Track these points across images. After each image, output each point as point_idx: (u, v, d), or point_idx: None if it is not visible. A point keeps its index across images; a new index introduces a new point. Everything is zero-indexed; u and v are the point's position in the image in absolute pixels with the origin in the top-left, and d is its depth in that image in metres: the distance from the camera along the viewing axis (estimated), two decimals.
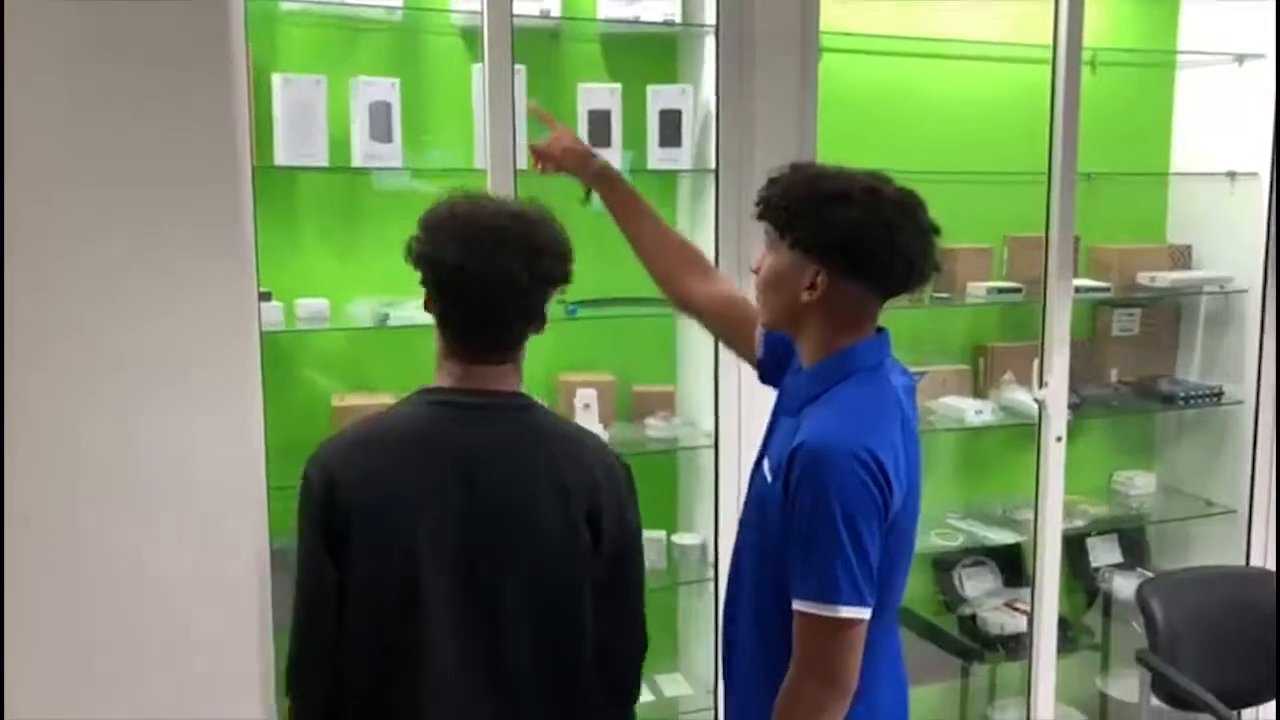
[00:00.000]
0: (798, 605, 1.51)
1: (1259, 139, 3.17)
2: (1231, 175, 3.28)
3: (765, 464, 1.66)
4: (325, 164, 2.54)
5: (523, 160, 2.56)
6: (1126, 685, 3.41)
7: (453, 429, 1.58)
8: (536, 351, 2.79)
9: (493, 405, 1.60)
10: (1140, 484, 3.50)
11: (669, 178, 2.92)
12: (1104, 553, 3.51)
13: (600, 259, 3.01)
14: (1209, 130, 3.35)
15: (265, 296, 2.45)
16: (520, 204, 1.68)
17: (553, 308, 2.73)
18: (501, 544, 1.55)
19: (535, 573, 1.56)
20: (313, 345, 2.69)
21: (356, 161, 2.57)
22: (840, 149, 2.74)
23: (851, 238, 1.54)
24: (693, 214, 2.90)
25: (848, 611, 1.48)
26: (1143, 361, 3.48)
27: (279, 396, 2.39)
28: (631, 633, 1.68)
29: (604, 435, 2.76)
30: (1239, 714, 2.74)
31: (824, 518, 1.47)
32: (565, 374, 2.88)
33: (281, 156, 2.50)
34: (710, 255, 2.69)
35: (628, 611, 1.66)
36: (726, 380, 2.69)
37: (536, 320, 1.64)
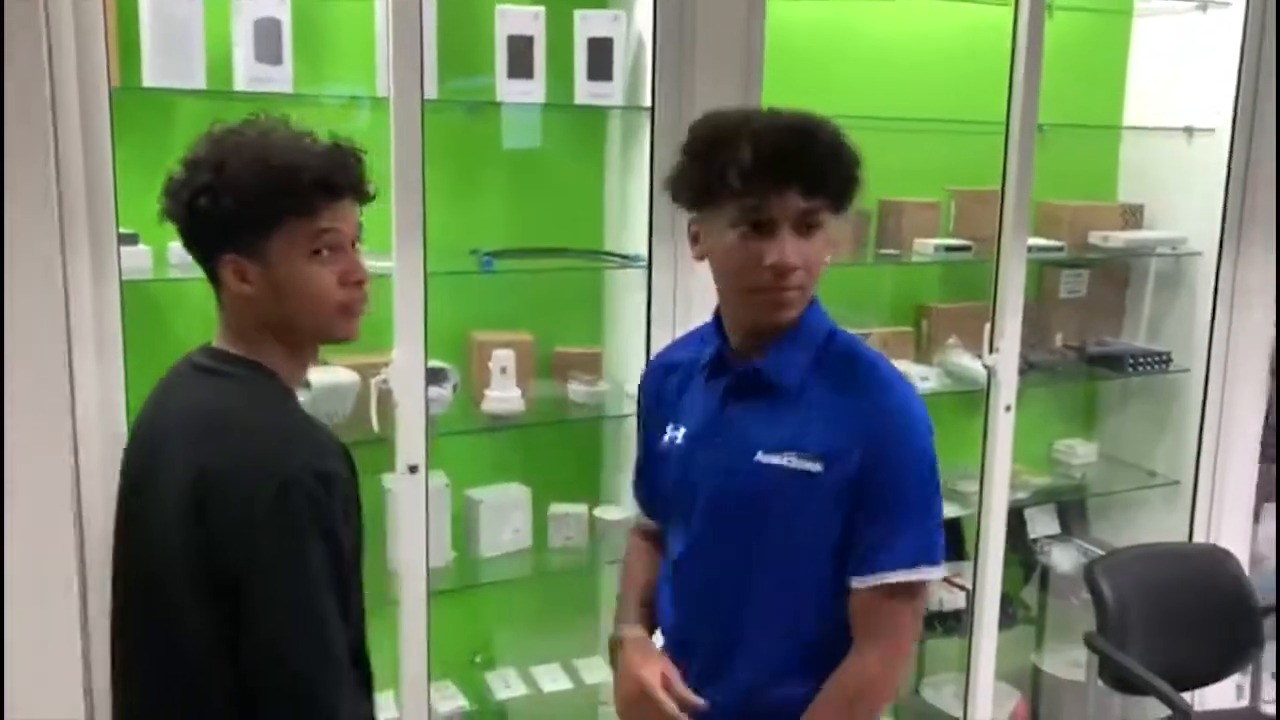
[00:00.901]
0: (889, 578, 1.42)
1: (1219, 93, 3.00)
2: (1189, 131, 3.11)
3: (785, 457, 1.44)
4: (202, 86, 2.20)
5: (431, 88, 2.26)
6: (1061, 660, 3.31)
7: (166, 390, 1.43)
8: (446, 308, 2.56)
9: (196, 365, 1.40)
10: (1082, 453, 3.36)
11: (597, 115, 2.64)
12: (1042, 524, 3.37)
13: (518, 206, 2.76)
14: (1166, 82, 3.17)
15: (129, 239, 2.13)
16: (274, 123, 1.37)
17: (465, 258, 2.48)
18: (132, 533, 1.41)
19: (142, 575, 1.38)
20: (190, 296, 2.35)
21: (239, 85, 2.23)
22: (782, 90, 2.51)
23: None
24: (624, 157, 2.63)
25: (943, 569, 1.46)
26: (1089, 325, 3.32)
27: (146, 356, 2.06)
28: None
29: (521, 402, 2.49)
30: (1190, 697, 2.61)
31: (925, 478, 1.44)
32: (479, 333, 2.60)
33: (150, 77, 2.16)
34: (644, 204, 2.45)
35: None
36: (660, 341, 2.42)
37: (210, 251, 1.34)
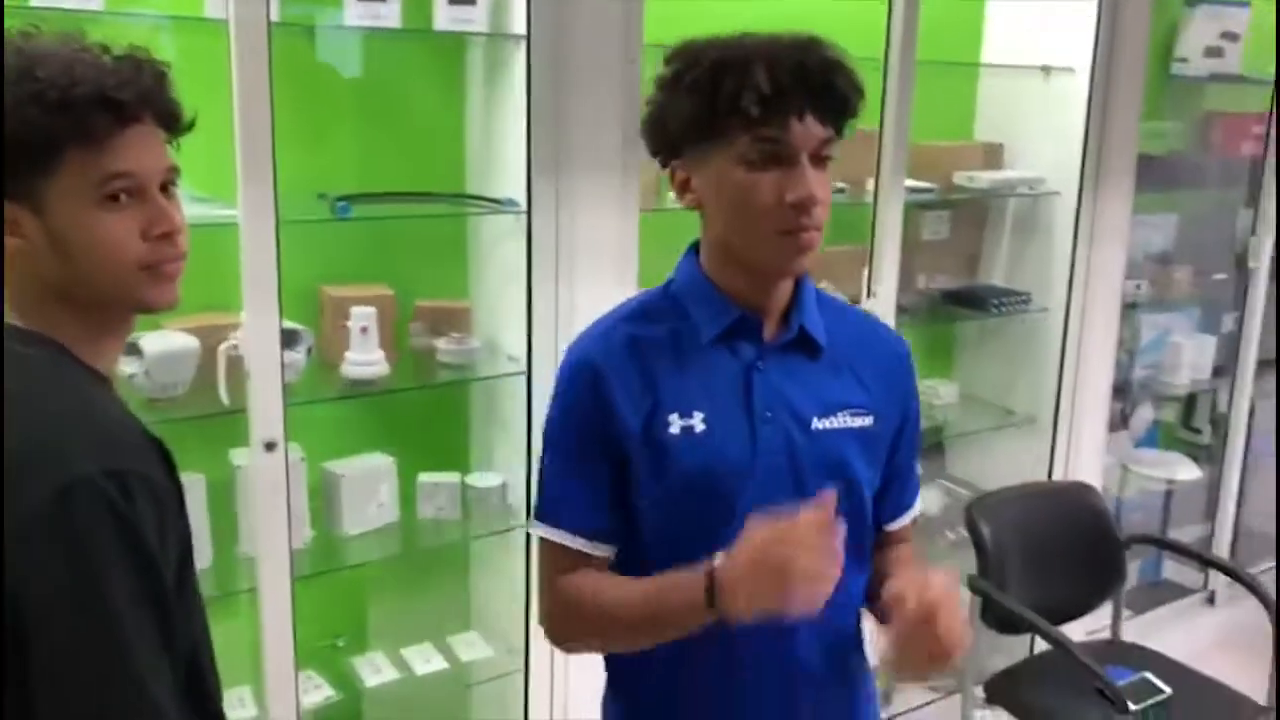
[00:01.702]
0: (916, 510, 1.48)
1: (1077, 32, 3.00)
2: (1046, 70, 3.11)
3: (840, 418, 1.33)
4: None
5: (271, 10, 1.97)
6: None
7: None
8: (294, 261, 2.27)
9: None
10: (943, 394, 3.36)
11: (458, 42, 2.39)
12: None
13: (372, 146, 2.48)
14: (1023, 21, 3.16)
15: None
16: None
17: (313, 204, 2.21)
18: None
19: None
20: None
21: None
22: (663, 20, 2.34)
23: None
24: (488, 90, 2.39)
25: None
26: (948, 266, 3.31)
27: None
28: None
29: (385, 365, 2.25)
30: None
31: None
32: (333, 287, 2.34)
33: None
34: (510, 142, 2.23)
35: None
36: (545, 294, 2.23)
37: None
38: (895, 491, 1.43)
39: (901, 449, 1.41)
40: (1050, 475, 3.23)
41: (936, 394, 3.36)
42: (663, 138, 1.27)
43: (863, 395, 1.34)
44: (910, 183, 2.86)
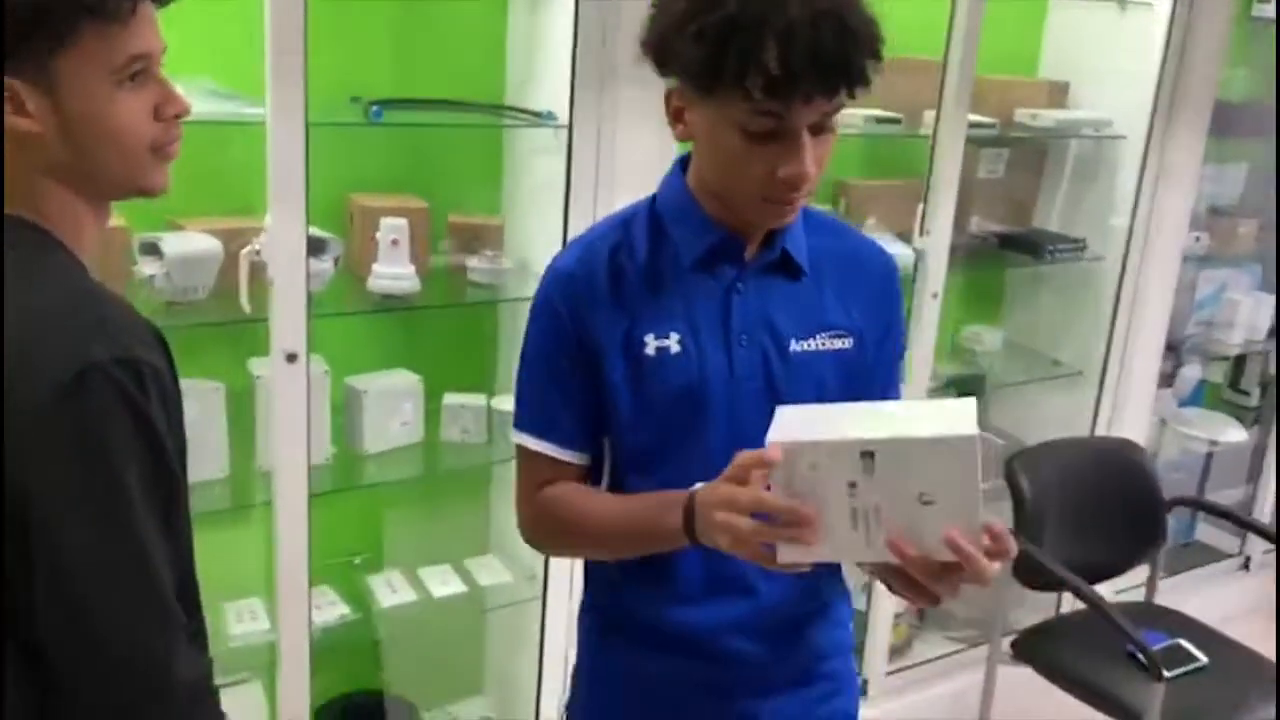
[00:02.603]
0: None
1: None
2: (1122, 3, 2.94)
3: (817, 340, 1.30)
4: None
5: None
6: None
7: None
8: (322, 167, 2.19)
9: None
10: (987, 340, 3.26)
11: None
12: None
13: (410, 50, 2.37)
14: None
15: None
16: None
17: (346, 108, 2.12)
18: None
19: None
20: None
21: None
22: None
23: None
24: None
25: None
26: (1004, 209, 3.18)
27: None
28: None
29: (415, 280, 2.17)
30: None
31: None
32: (363, 196, 2.25)
33: None
34: (553, 54, 2.11)
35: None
36: (580, 214, 2.14)
37: None
38: None
39: (880, 368, 1.36)
40: (1093, 431, 3.13)
41: (980, 340, 3.26)
42: (661, 62, 1.19)
43: (844, 317, 1.32)
44: (971, 117, 2.72)
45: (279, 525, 1.98)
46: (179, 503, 1.03)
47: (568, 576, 2.31)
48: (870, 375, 1.34)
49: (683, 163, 1.31)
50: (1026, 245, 3.06)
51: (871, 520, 1.08)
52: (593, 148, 2.10)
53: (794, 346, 1.29)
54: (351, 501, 2.37)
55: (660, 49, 1.17)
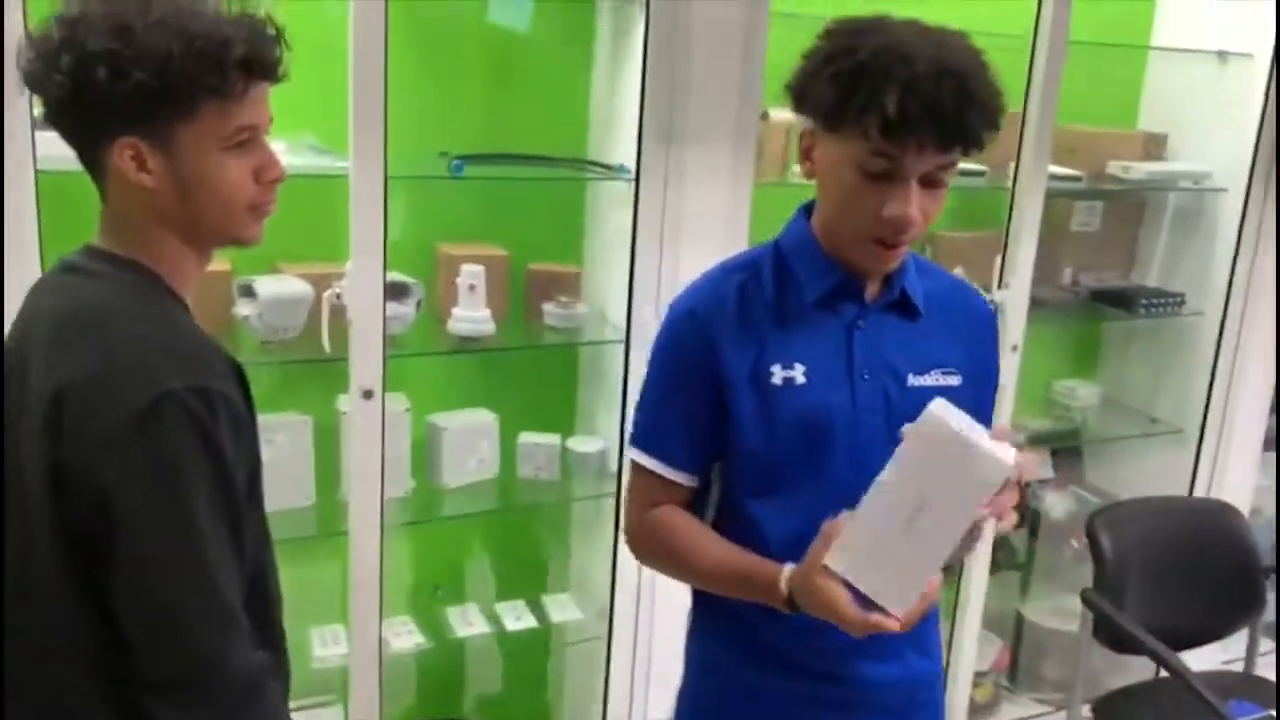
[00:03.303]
0: None
1: (1258, 13, 2.76)
2: (1222, 55, 2.88)
3: (932, 376, 1.39)
4: None
5: None
6: (1046, 609, 3.18)
7: (35, 295, 1.22)
8: (410, 217, 2.32)
9: (68, 266, 1.21)
10: (1082, 395, 3.19)
11: (585, 5, 2.38)
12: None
13: (494, 104, 2.50)
14: (1198, 1, 2.93)
15: None
16: None
17: (433, 161, 2.25)
18: None
19: None
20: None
21: None
22: None
23: None
24: (614, 53, 2.37)
25: None
26: (1099, 261, 3.12)
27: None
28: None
29: (491, 323, 2.28)
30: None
31: None
32: (447, 245, 2.37)
33: None
34: (631, 109, 2.21)
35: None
36: (647, 264, 2.22)
37: (101, 132, 1.12)
38: None
39: (980, 410, 1.39)
40: (1192, 491, 3.02)
41: (1075, 395, 3.20)
42: (799, 104, 1.31)
43: (953, 356, 1.41)
44: (1056, 169, 2.70)
45: (353, 553, 2.09)
46: (244, 517, 1.16)
47: (633, 615, 2.35)
48: (974, 413, 1.38)
49: (806, 209, 1.42)
50: (1120, 299, 3.00)
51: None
52: (659, 200, 2.18)
53: (911, 381, 1.38)
54: (431, 533, 2.47)
55: (800, 89, 1.29)
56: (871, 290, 1.37)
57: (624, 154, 2.29)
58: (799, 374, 1.36)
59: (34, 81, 1.12)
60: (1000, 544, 3.10)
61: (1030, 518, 3.18)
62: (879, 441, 1.31)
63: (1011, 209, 2.57)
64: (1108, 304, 3.03)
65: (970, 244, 2.85)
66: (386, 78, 1.90)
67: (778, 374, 1.36)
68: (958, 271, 2.81)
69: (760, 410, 1.36)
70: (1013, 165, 2.62)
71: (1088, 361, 3.30)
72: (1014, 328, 2.60)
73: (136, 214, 1.16)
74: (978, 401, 1.40)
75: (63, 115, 1.13)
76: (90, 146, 1.14)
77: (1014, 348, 2.61)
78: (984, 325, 1.48)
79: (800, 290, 1.37)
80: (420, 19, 2.25)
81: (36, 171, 1.72)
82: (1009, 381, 2.63)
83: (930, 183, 1.25)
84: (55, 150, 1.83)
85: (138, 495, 1.07)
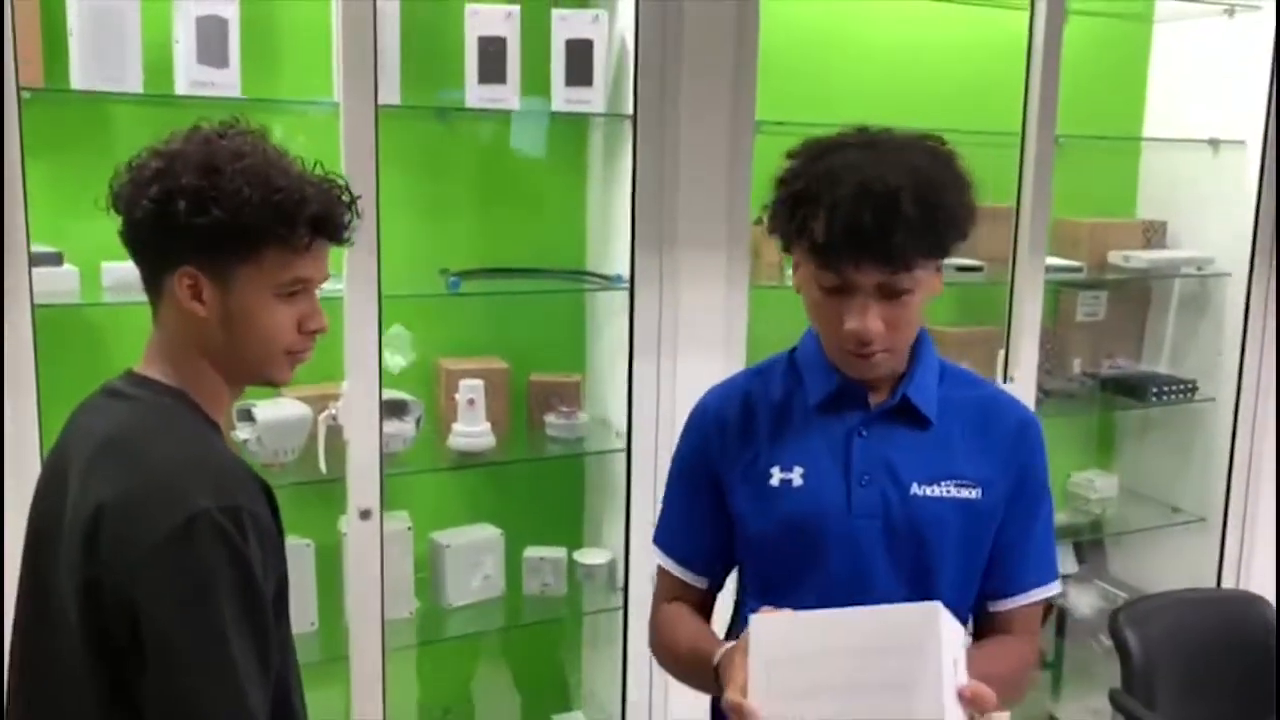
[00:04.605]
0: (1037, 595, 1.39)
1: (1248, 102, 2.79)
2: (1214, 143, 2.91)
3: (943, 487, 1.35)
4: (138, 90, 1.99)
5: (393, 94, 2.07)
6: (1080, 709, 3.07)
7: (76, 417, 1.27)
8: (411, 334, 2.34)
9: (111, 390, 1.25)
10: (1100, 486, 3.14)
11: (578, 123, 2.44)
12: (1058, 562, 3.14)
13: (489, 224, 2.53)
14: (1189, 92, 2.96)
15: (53, 259, 1.92)
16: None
17: (432, 279, 2.28)
18: (32, 580, 1.22)
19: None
20: (126, 323, 2.14)
21: (180, 89, 2.03)
22: (778, 98, 2.32)
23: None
24: (607, 169, 2.42)
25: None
26: (1107, 350, 3.10)
27: (73, 390, 1.85)
28: None
29: (491, 437, 2.27)
30: None
31: (1049, 492, 1.42)
32: (447, 360, 2.38)
33: (79, 79, 1.96)
34: (626, 220, 2.24)
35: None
36: (646, 368, 2.22)
37: (167, 259, 1.19)
38: (1004, 567, 1.38)
39: (1013, 522, 1.37)
40: (1219, 582, 2.94)
41: (1094, 486, 3.15)
42: (767, 226, 1.34)
43: (975, 468, 1.35)
44: (1054, 261, 2.71)
45: (355, 679, 2.05)
46: (272, 632, 1.16)
47: None
48: (1003, 527, 1.37)
49: None
50: (1132, 388, 2.97)
51: None
52: (655, 307, 2.19)
53: (916, 490, 1.35)
54: (439, 654, 2.43)
55: (764, 212, 1.34)
56: (876, 397, 1.37)
57: (620, 264, 2.32)
58: (796, 475, 1.36)
59: (122, 202, 1.18)
60: None
61: (1056, 615, 3.11)
62: (877, 547, 1.32)
63: (1011, 303, 2.56)
64: (1119, 393, 3.00)
65: (972, 339, 2.84)
66: (379, 197, 1.93)
67: (776, 475, 1.37)
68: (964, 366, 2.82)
69: (757, 511, 1.37)
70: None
71: (1103, 452, 3.25)
72: None
73: (181, 339, 1.21)
74: (1009, 516, 1.36)
75: (139, 237, 1.19)
76: (155, 270, 1.20)
77: None
78: (1019, 437, 1.39)
79: (805, 395, 1.39)
80: (413, 137, 2.30)
81: (34, 306, 1.75)
82: None
83: (890, 294, 1.25)
84: (57, 285, 1.90)
85: (169, 611, 1.10)
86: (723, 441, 1.40)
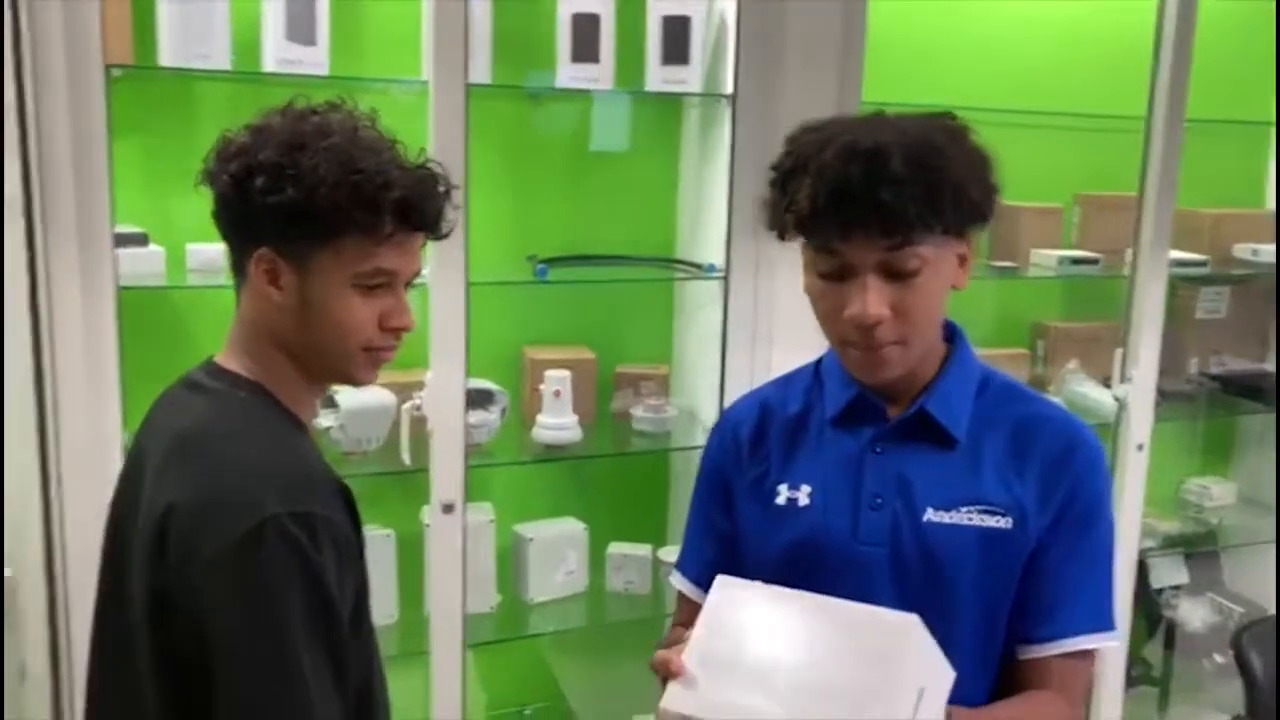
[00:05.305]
0: (1079, 644, 1.21)
1: None
2: None
3: (964, 514, 1.20)
4: (226, 67, 1.95)
5: (484, 73, 2.00)
6: None
7: (154, 410, 1.21)
8: (497, 322, 2.27)
9: (190, 382, 1.18)
10: (1217, 494, 2.96)
11: (673, 103, 2.34)
12: (1167, 572, 2.97)
13: (577, 208, 2.45)
14: None
15: (138, 239, 1.89)
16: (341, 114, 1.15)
17: (518, 266, 2.21)
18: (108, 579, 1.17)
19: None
20: (211, 306, 2.11)
21: (268, 66, 1.99)
22: (885, 80, 2.19)
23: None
24: (702, 152, 2.32)
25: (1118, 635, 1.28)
26: (1228, 350, 2.92)
27: (157, 375, 1.82)
28: None
29: (577, 431, 2.20)
30: None
31: (1108, 528, 1.25)
32: (533, 349, 2.31)
33: (167, 56, 1.92)
34: (719, 206, 2.14)
35: None
36: (738, 363, 2.12)
37: (247, 238, 1.12)
38: (1036, 606, 1.22)
39: (1051, 554, 1.21)
40: None
41: (1209, 494, 2.98)
42: (767, 218, 1.22)
43: (1005, 493, 1.21)
44: (1176, 254, 2.54)
45: (434, 673, 1.99)
46: (345, 642, 1.09)
47: None
48: (1039, 560, 1.21)
49: None
50: (1253, 390, 2.78)
51: None
52: (750, 298, 2.09)
53: (930, 516, 1.20)
54: (519, 650, 2.37)
55: (762, 204, 1.21)
56: (895, 409, 1.23)
57: (712, 253, 2.22)
58: (803, 495, 1.25)
59: (209, 176, 1.12)
60: (1134, 658, 2.86)
61: (1166, 629, 2.94)
62: (884, 578, 1.20)
63: (1130, 298, 2.41)
64: (1239, 395, 2.82)
65: (1086, 335, 2.69)
66: (468, 181, 1.86)
67: (783, 494, 1.26)
68: (1072, 365, 2.67)
69: (761, 531, 1.27)
70: (1129, 252, 2.47)
71: (1221, 458, 3.07)
72: (1139, 426, 2.41)
73: (259, 329, 1.15)
74: (1048, 544, 1.21)
75: (220, 214, 1.13)
76: (238, 251, 1.14)
77: (1139, 447, 2.42)
78: (1064, 459, 1.23)
79: (824, 408, 1.27)
80: (502, 122, 2.23)
81: (119, 288, 1.72)
82: (1135, 482, 2.44)
83: (895, 274, 1.11)
84: (143, 267, 1.87)
85: (234, 620, 1.03)
86: (738, 455, 1.30)
